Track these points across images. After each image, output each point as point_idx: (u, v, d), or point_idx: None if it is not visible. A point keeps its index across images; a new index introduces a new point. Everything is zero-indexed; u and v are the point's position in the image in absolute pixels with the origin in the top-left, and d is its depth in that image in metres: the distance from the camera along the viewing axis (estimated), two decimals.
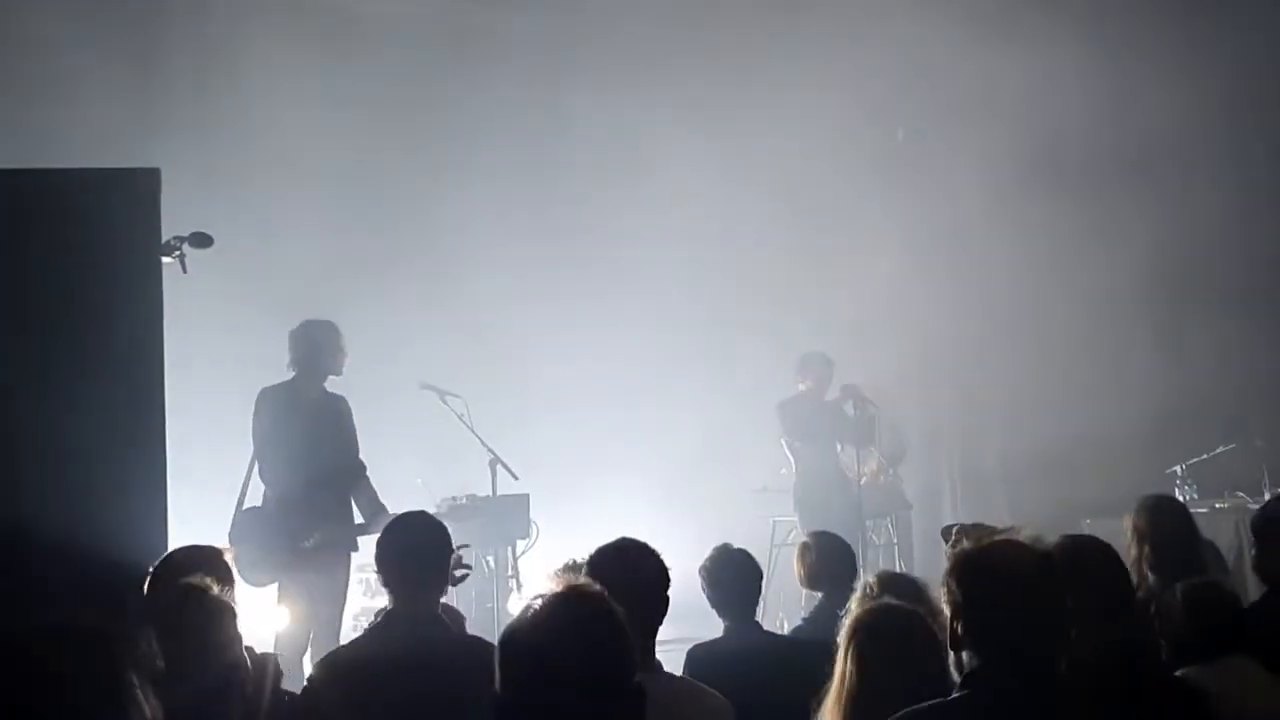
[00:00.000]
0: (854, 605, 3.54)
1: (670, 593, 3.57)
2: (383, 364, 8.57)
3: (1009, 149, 9.82)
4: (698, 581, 4.71)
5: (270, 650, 4.15)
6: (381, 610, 4.17)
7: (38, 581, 4.53)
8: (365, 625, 6.24)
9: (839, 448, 9.17)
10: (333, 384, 7.03)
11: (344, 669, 3.92)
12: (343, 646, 4.61)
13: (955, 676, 2.80)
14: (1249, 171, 10.52)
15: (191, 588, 3.44)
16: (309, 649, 6.56)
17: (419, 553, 4.06)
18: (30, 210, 5.06)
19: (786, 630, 6.14)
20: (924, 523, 10.15)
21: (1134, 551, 4.99)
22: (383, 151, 10.14)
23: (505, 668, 2.30)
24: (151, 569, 4.00)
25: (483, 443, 7.79)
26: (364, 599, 7.97)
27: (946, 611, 2.82)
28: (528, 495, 7.92)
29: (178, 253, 5.54)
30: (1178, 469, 9.46)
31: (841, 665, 3.15)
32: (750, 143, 10.51)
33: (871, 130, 10.62)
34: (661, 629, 3.55)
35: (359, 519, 6.88)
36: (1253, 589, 5.46)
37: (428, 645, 3.86)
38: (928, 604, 3.57)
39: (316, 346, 6.88)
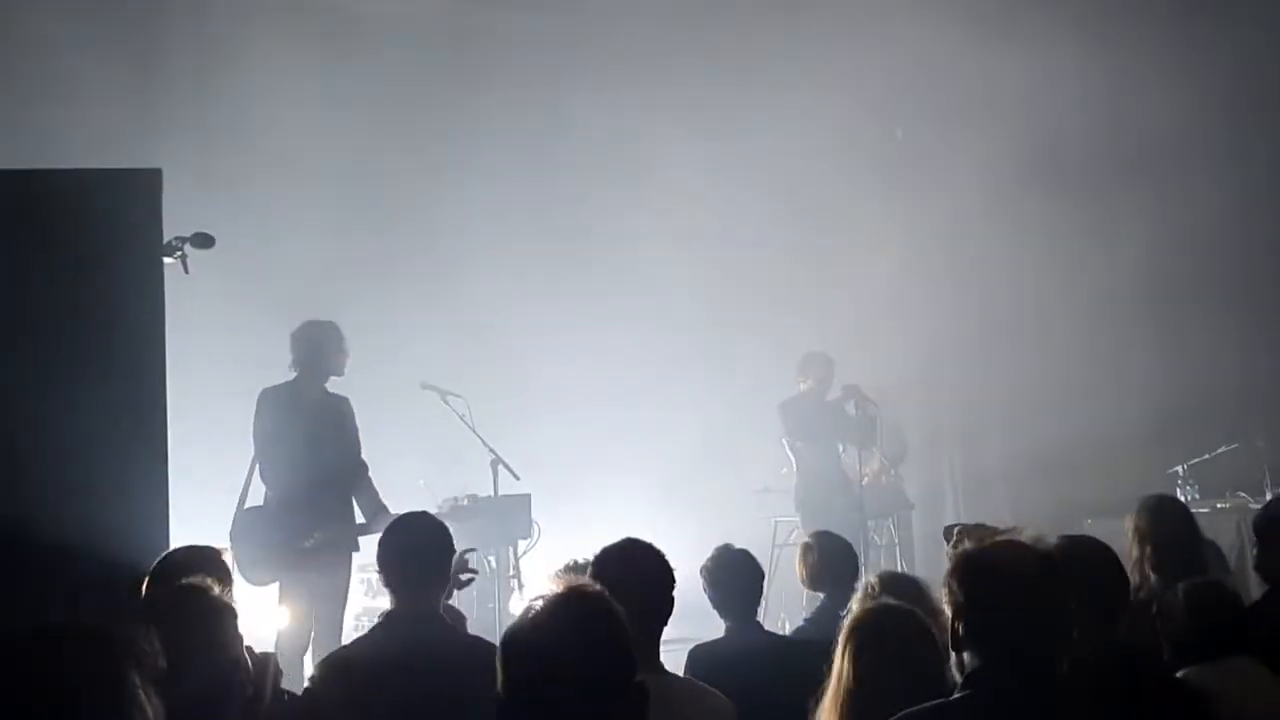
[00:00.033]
0: (855, 606, 3.54)
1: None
2: (383, 364, 8.56)
3: (1009, 149, 9.81)
4: (698, 582, 4.71)
5: (270, 650, 4.14)
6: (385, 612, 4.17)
7: (40, 581, 4.54)
8: (367, 625, 6.26)
9: (840, 448, 9.17)
10: (334, 384, 7.03)
11: (345, 669, 3.92)
12: (344, 646, 4.61)
13: (957, 676, 2.80)
14: (1249, 171, 10.51)
15: (192, 588, 3.44)
16: (310, 649, 6.57)
17: (420, 553, 4.06)
18: (32, 211, 5.06)
19: (788, 631, 6.14)
20: (926, 523, 10.14)
21: (1135, 552, 4.99)
22: (383, 151, 10.14)
23: (507, 668, 2.30)
24: (150, 569, 4.01)
25: (484, 443, 7.78)
26: (366, 599, 7.98)
27: (948, 612, 2.82)
28: (529, 495, 7.92)
29: (179, 253, 5.54)
30: (1179, 469, 9.46)
31: (839, 665, 3.16)
32: (750, 143, 10.51)
33: (871, 130, 10.63)
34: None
35: (360, 519, 6.89)
36: (1254, 589, 5.46)
37: (429, 645, 3.87)
38: (929, 604, 3.57)
39: (318, 347, 6.88)
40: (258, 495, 6.80)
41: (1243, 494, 9.16)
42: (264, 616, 6.41)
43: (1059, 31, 9.71)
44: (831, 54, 10.00)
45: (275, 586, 6.62)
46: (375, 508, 6.83)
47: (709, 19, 10.64)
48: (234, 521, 6.66)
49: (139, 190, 5.15)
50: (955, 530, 4.42)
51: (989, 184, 9.98)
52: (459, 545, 4.28)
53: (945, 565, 2.90)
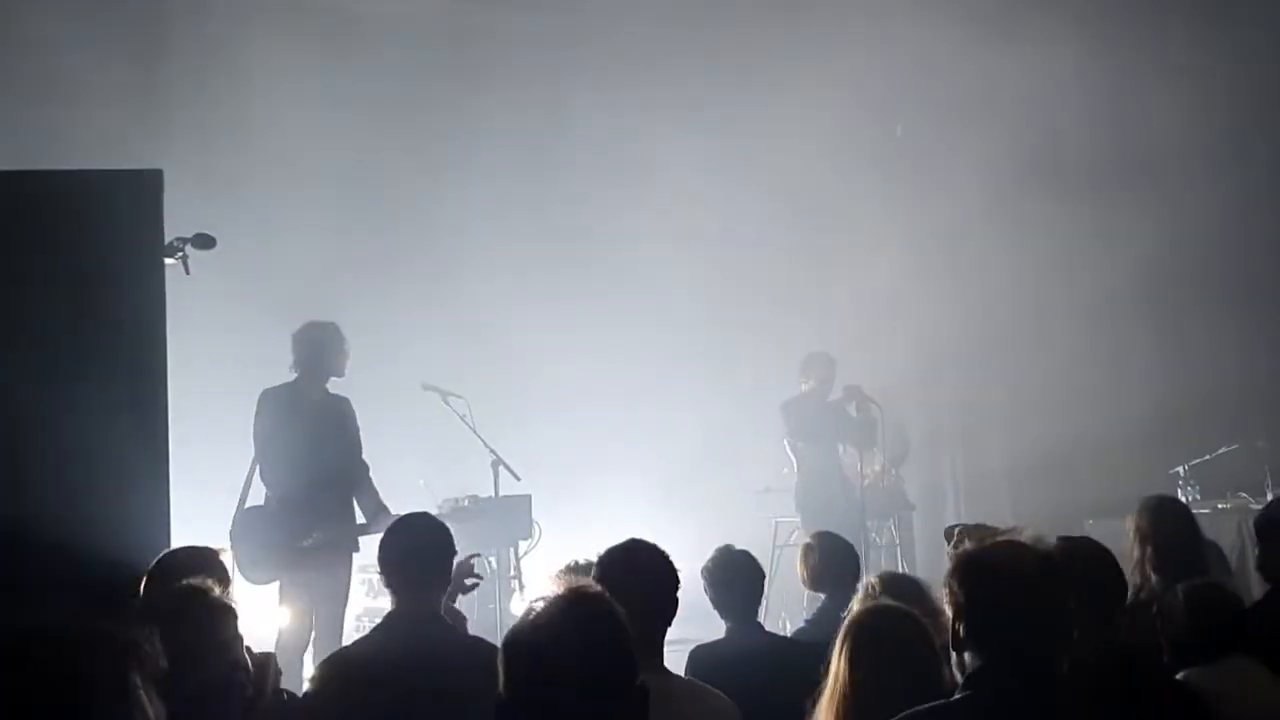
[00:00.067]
0: (856, 606, 3.54)
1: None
2: (383, 364, 8.56)
3: (1009, 149, 9.81)
4: (699, 582, 4.71)
5: (270, 650, 4.15)
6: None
7: (41, 581, 4.54)
8: (368, 626, 6.26)
9: (841, 449, 9.17)
10: (334, 385, 7.04)
11: (346, 669, 3.93)
12: (345, 647, 4.62)
13: (958, 677, 2.80)
14: (1250, 172, 10.50)
15: (193, 589, 3.44)
16: (311, 649, 6.58)
17: (421, 554, 4.07)
18: (33, 211, 5.07)
19: (789, 631, 6.14)
20: (926, 523, 10.14)
21: (1136, 552, 5.00)
22: (383, 151, 10.14)
23: (508, 669, 2.31)
24: (147, 570, 4.01)
25: (485, 444, 7.78)
26: (367, 600, 7.98)
27: (948, 612, 2.82)
28: (530, 496, 7.93)
29: (181, 254, 5.55)
30: (1180, 469, 9.46)
31: (835, 666, 3.17)
32: (750, 143, 10.51)
33: (871, 130, 10.62)
34: None
35: (361, 520, 6.89)
36: (1255, 589, 5.46)
37: (429, 646, 3.87)
38: (930, 604, 3.57)
39: (319, 348, 6.89)
40: (258, 496, 6.80)
41: (1244, 494, 9.16)
42: (264, 616, 6.42)
43: (1059, 31, 9.70)
44: (831, 54, 9.98)
45: (275, 586, 6.63)
46: (376, 508, 6.84)
47: (709, 19, 10.64)
48: (234, 521, 6.67)
49: (140, 191, 5.16)
50: (956, 531, 4.43)
51: (989, 184, 9.98)
52: (460, 546, 4.28)
53: (946, 566, 2.90)
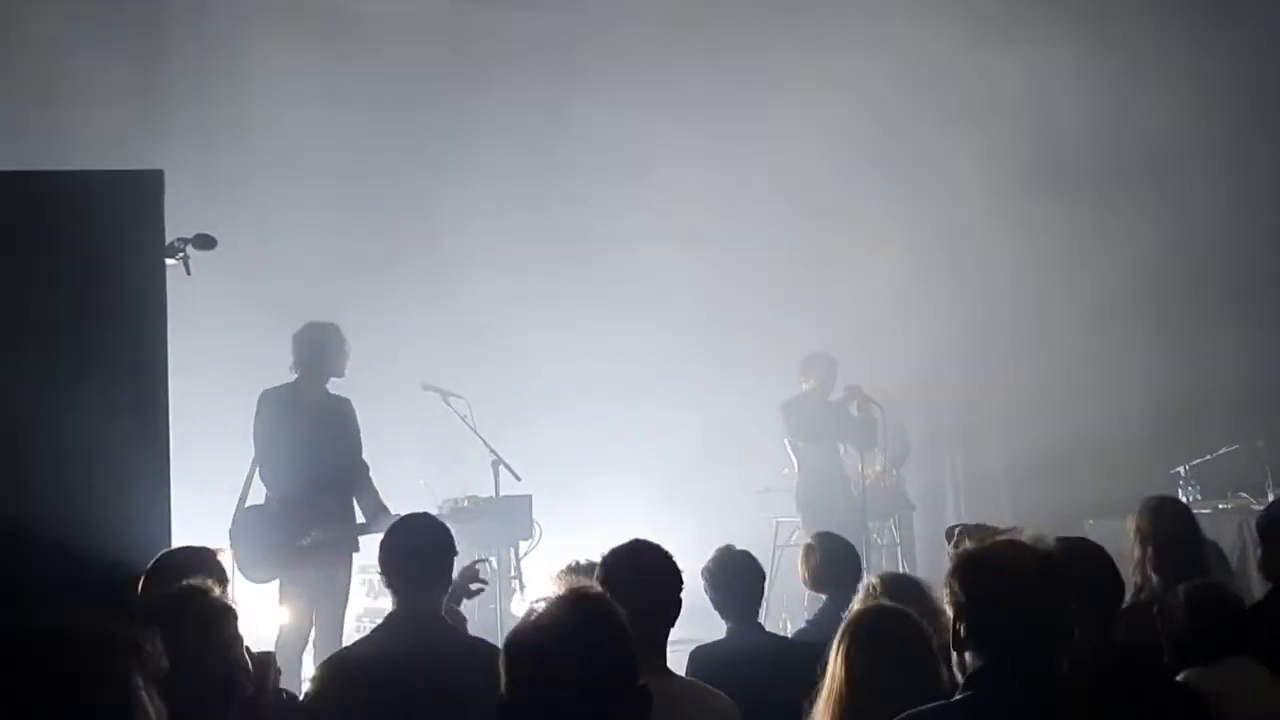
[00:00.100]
0: (856, 606, 3.54)
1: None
2: (383, 364, 8.57)
3: (1009, 149, 9.81)
4: (700, 583, 4.71)
5: (270, 649, 4.15)
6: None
7: (42, 581, 4.54)
8: (369, 626, 6.27)
9: (842, 449, 9.17)
10: (334, 385, 7.04)
11: (346, 670, 3.93)
12: (345, 647, 4.62)
13: (958, 676, 2.79)
14: (1250, 172, 10.49)
15: (193, 589, 3.44)
16: (311, 649, 6.58)
17: (421, 554, 4.07)
18: (35, 212, 5.07)
19: (790, 632, 6.14)
20: (927, 524, 10.14)
21: (1137, 553, 5.00)
22: (383, 151, 10.14)
23: (510, 670, 2.31)
24: (145, 571, 4.01)
25: (485, 444, 7.79)
26: (367, 600, 7.98)
27: (949, 612, 2.82)
28: (530, 496, 7.93)
29: (182, 254, 5.55)
30: (1180, 470, 9.46)
31: (832, 666, 3.17)
32: (750, 143, 10.50)
33: (871, 130, 10.61)
34: None
35: (361, 520, 6.90)
36: (1256, 589, 5.46)
37: (430, 646, 3.88)
38: (930, 605, 3.57)
39: (319, 348, 6.89)
40: (258, 496, 6.81)
41: (1244, 495, 9.16)
42: (264, 616, 6.42)
43: (1059, 31, 9.70)
44: (831, 54, 9.98)
45: (275, 586, 6.63)
46: (376, 508, 6.85)
47: (709, 19, 10.64)
48: (234, 520, 6.67)
49: (141, 191, 5.16)
50: (956, 531, 4.43)
51: (989, 184, 9.98)
52: (460, 547, 4.28)
53: (947, 566, 2.90)
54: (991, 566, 2.77)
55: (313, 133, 9.52)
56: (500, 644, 2.46)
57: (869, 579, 4.22)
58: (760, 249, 10.76)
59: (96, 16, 9.02)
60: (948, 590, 2.82)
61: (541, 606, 2.34)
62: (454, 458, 8.42)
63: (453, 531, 4.24)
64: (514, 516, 7.83)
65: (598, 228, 10.66)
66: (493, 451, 7.79)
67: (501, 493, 7.84)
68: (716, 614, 4.84)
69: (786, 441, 9.16)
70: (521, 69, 10.52)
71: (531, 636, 2.31)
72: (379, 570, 4.16)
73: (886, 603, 3.43)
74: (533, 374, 10.18)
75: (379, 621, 4.22)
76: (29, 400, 4.87)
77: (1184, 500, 7.70)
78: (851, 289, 9.98)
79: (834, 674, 3.16)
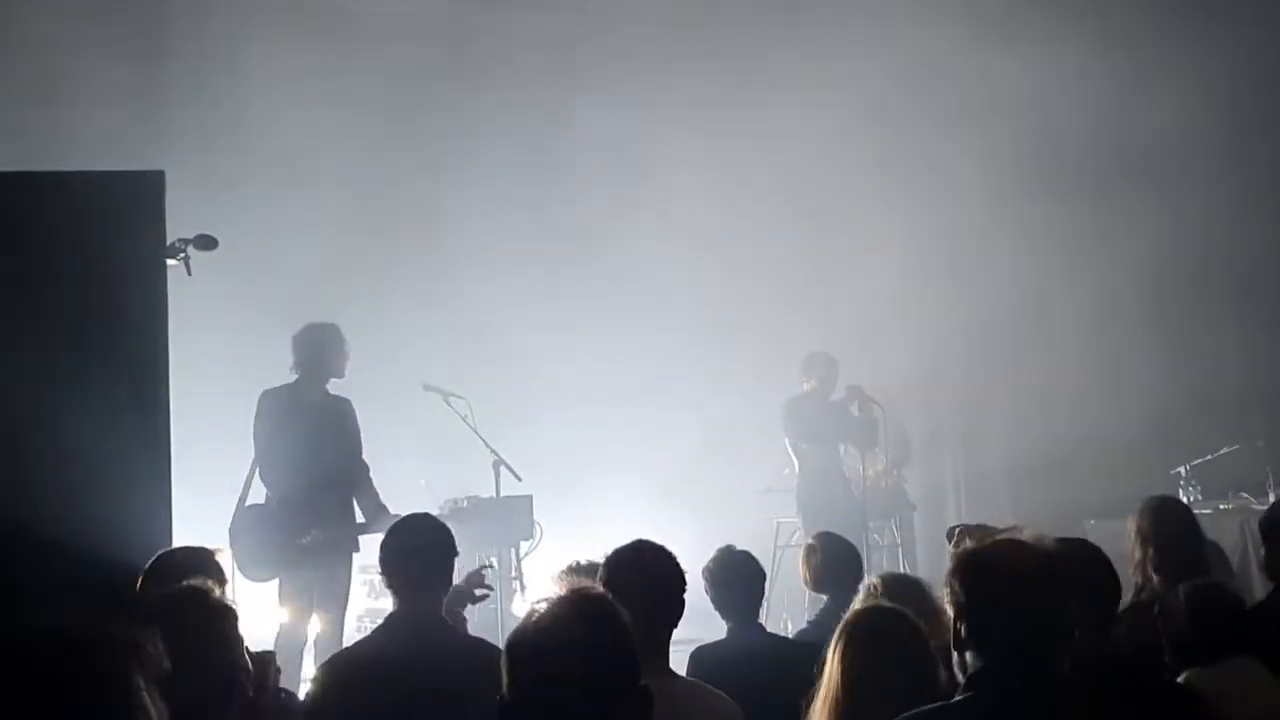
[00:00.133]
0: (858, 606, 3.54)
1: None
2: (383, 364, 8.57)
3: (1010, 148, 9.80)
4: (700, 583, 4.71)
5: (269, 649, 4.15)
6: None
7: (42, 581, 4.54)
8: (370, 627, 6.27)
9: (842, 449, 9.16)
10: (335, 385, 7.04)
11: (347, 670, 3.93)
12: (346, 648, 4.62)
13: (959, 676, 2.79)
14: (1251, 172, 10.49)
15: (194, 590, 3.44)
16: (313, 648, 6.58)
17: (422, 555, 4.08)
18: (36, 212, 5.07)
19: (790, 632, 6.14)
20: (927, 524, 10.13)
21: (1138, 553, 4.99)
22: (383, 151, 10.14)
23: (512, 670, 2.31)
24: (143, 571, 4.01)
25: (486, 444, 7.79)
26: (368, 600, 7.98)
27: (950, 612, 2.81)
28: (531, 497, 7.92)
29: (183, 255, 5.55)
30: (1181, 470, 9.46)
31: (830, 666, 3.17)
32: (750, 143, 10.50)
33: (871, 130, 10.61)
34: None
35: (361, 520, 6.90)
36: (1257, 590, 5.46)
37: (430, 647, 3.88)
38: (931, 605, 3.57)
39: (319, 349, 6.90)
40: (258, 496, 6.81)
41: (1245, 495, 9.16)
42: (263, 615, 6.42)
43: (1060, 31, 9.70)
44: (831, 54, 9.98)
45: (275, 585, 6.63)
46: (375, 509, 6.85)
47: (709, 19, 10.63)
48: (234, 519, 6.68)
49: (142, 192, 5.17)
50: (956, 531, 4.43)
51: (990, 184, 9.98)
52: (461, 547, 4.28)
53: (948, 566, 2.90)
54: (992, 566, 2.76)
55: (313, 133, 9.51)
56: (501, 644, 2.46)
57: (870, 579, 4.22)
58: (760, 249, 10.75)
59: (96, 16, 9.02)
60: (948, 590, 2.81)
61: (543, 607, 2.34)
62: (454, 458, 8.42)
63: (453, 532, 4.24)
64: (515, 517, 7.82)
65: (598, 227, 10.65)
66: (493, 452, 7.79)
67: (502, 493, 7.85)
68: (717, 614, 4.84)
69: (787, 442, 9.15)
70: (521, 69, 10.52)
71: (533, 637, 2.31)
72: (379, 570, 4.16)
73: (884, 603, 3.43)
74: (533, 374, 10.18)
75: (380, 622, 4.22)
76: (30, 400, 4.87)
77: (1185, 500, 7.70)
78: (851, 289, 9.98)
79: (831, 674, 3.16)
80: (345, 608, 6.88)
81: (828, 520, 7.58)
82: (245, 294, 8.92)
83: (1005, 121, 9.90)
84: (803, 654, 3.91)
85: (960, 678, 2.79)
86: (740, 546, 4.96)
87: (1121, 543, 5.01)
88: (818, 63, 10.01)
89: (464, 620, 4.68)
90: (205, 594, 3.41)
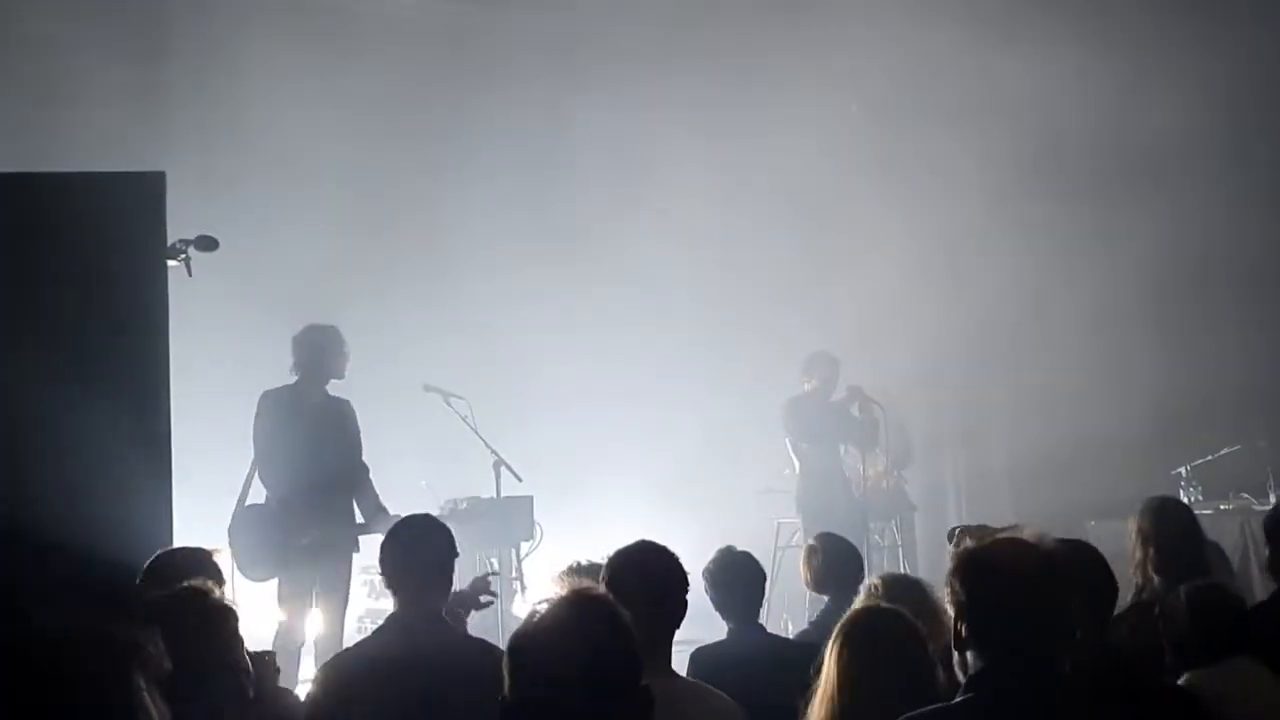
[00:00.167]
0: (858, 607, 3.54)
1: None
2: (383, 364, 8.57)
3: (1010, 148, 9.80)
4: (700, 583, 4.71)
5: (268, 649, 4.15)
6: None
7: (43, 582, 4.54)
8: (370, 627, 6.27)
9: (843, 450, 9.16)
10: (335, 386, 7.04)
11: (347, 670, 3.93)
12: (347, 648, 4.61)
13: (960, 676, 2.79)
14: (1251, 172, 10.50)
15: (194, 590, 3.44)
16: (313, 648, 6.59)
17: (422, 555, 4.08)
18: (37, 213, 5.07)
19: (791, 633, 6.14)
20: (928, 524, 10.14)
21: (1138, 553, 4.99)
22: (383, 151, 10.13)
23: (513, 671, 2.31)
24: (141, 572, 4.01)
25: (487, 445, 7.79)
26: (368, 601, 7.97)
27: (950, 612, 2.81)
28: (531, 497, 7.92)
29: (183, 256, 5.55)
30: (1182, 470, 9.45)
31: (827, 667, 3.17)
32: (750, 142, 10.51)
33: (871, 130, 10.61)
34: None
35: (360, 521, 6.90)
36: (1258, 590, 5.46)
37: (431, 647, 3.87)
38: (931, 605, 3.57)
39: (319, 350, 6.90)
40: (258, 497, 6.81)
41: (1246, 495, 9.15)
42: (262, 615, 6.42)
43: (1060, 31, 9.69)
44: (831, 54, 9.98)
45: (274, 585, 6.63)
46: (375, 510, 6.85)
47: (709, 19, 10.63)
48: (233, 518, 6.67)
49: (143, 193, 5.17)
50: (957, 532, 4.43)
51: (990, 184, 9.98)
52: (461, 547, 4.28)
53: (948, 567, 2.89)
54: (992, 566, 2.76)
55: (313, 133, 9.50)
56: (501, 645, 2.45)
57: (870, 580, 4.22)
58: (760, 249, 10.76)
59: (96, 16, 9.00)
60: (949, 590, 2.81)
61: (545, 608, 2.34)
62: (455, 458, 8.41)
63: (454, 532, 4.24)
64: (515, 517, 7.82)
65: (598, 227, 10.65)
66: (494, 452, 7.79)
67: (503, 493, 7.85)
68: (718, 615, 4.83)
69: (788, 442, 9.15)
70: (521, 69, 10.51)
71: (535, 638, 2.31)
72: (380, 571, 4.16)
73: (882, 604, 3.43)
74: (533, 374, 10.18)
75: (380, 622, 4.22)
76: (30, 400, 4.87)
77: (1185, 501, 7.70)
78: (851, 289, 9.98)
79: (828, 674, 3.16)
80: (345, 608, 6.88)
81: (828, 521, 7.58)
82: (245, 294, 8.91)
83: (1005, 121, 9.90)
84: (803, 655, 3.92)
85: (961, 678, 2.79)
86: (740, 547, 4.96)
87: (1122, 543, 5.01)
88: (818, 63, 10.01)
89: (464, 621, 4.68)
90: (206, 594, 3.41)
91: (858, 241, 10.18)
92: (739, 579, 4.80)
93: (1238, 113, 10.30)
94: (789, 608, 8.54)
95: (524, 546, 7.87)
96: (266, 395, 6.89)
